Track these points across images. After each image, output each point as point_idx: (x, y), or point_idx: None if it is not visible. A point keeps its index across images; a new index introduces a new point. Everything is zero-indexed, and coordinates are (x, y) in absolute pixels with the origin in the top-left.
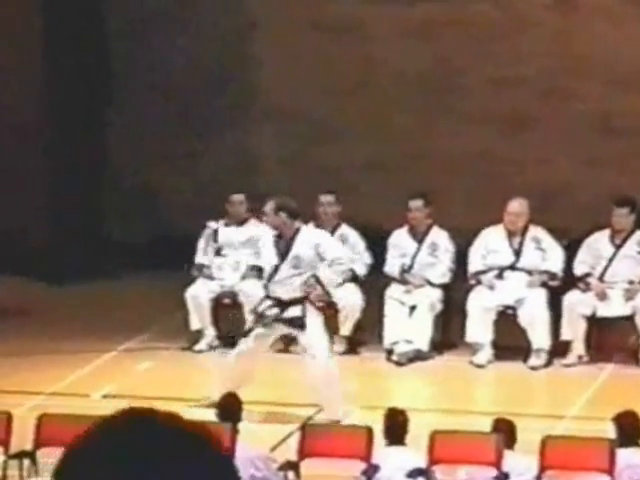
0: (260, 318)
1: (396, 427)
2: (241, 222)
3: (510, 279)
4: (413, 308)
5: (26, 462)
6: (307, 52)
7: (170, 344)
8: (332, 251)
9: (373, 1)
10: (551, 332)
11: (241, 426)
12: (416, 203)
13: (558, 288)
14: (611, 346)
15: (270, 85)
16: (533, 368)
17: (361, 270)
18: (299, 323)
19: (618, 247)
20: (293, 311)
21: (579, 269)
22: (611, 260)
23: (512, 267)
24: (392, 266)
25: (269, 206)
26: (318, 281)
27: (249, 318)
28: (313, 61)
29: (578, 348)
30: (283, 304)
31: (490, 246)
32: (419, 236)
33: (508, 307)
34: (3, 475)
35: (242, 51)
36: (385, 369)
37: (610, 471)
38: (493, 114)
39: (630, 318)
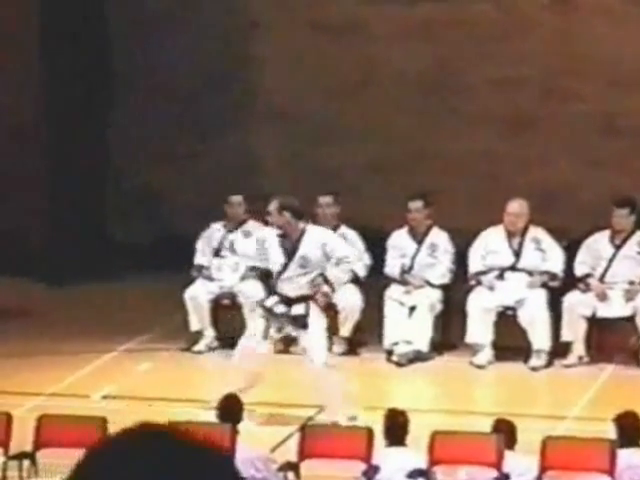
0: (269, 313)
1: (396, 428)
2: (240, 223)
3: (510, 280)
4: (413, 309)
5: (26, 463)
6: (308, 52)
7: (170, 345)
8: (339, 250)
9: (374, 1)
10: (551, 333)
11: (241, 427)
12: (416, 204)
13: (558, 289)
14: (611, 347)
15: (271, 86)
16: (533, 369)
17: (361, 271)
18: (302, 322)
19: (618, 248)
20: (297, 309)
21: (579, 270)
22: (611, 261)
23: (512, 268)
24: (392, 267)
25: (273, 205)
26: (326, 280)
27: (256, 313)
28: (314, 61)
29: (578, 349)
30: (289, 301)
31: (490, 247)
32: (419, 237)
33: (508, 308)
34: (3, 476)
35: (243, 51)
36: (385, 370)
37: (611, 472)
38: (494, 115)
39: (630, 319)
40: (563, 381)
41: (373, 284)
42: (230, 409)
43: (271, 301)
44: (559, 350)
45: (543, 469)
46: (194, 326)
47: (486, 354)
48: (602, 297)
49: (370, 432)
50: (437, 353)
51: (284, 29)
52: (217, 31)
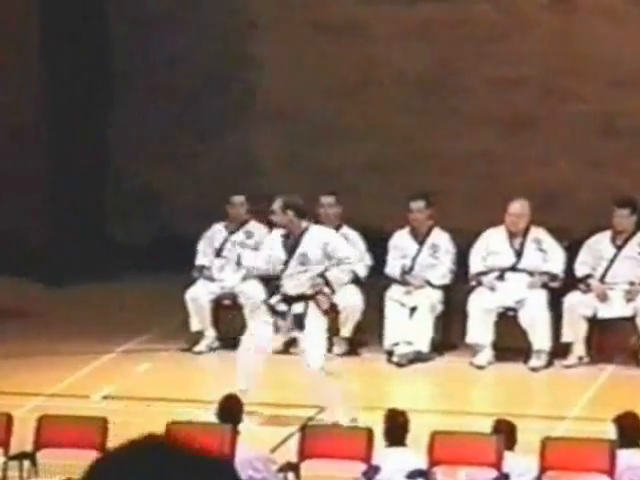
0: (273, 312)
1: (396, 428)
2: (241, 224)
3: (511, 280)
4: (413, 309)
5: (26, 463)
6: (308, 52)
7: (170, 345)
8: (340, 250)
9: (374, 2)
10: (552, 333)
11: (241, 427)
12: (417, 204)
13: (559, 289)
14: (612, 347)
15: (271, 86)
16: (534, 369)
17: (362, 271)
18: (299, 322)
19: (619, 248)
20: (297, 308)
21: (580, 270)
22: (612, 261)
23: (513, 268)
24: (393, 267)
25: (277, 204)
26: (326, 281)
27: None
28: (314, 61)
29: (579, 349)
30: (290, 299)
31: (491, 247)
32: (420, 237)
33: (509, 308)
34: (3, 476)
35: (243, 52)
36: (385, 370)
37: (610, 472)
38: (494, 115)
39: (631, 319)
40: (563, 381)
41: (374, 284)
42: (230, 409)
43: (274, 299)
44: (559, 350)
45: (543, 469)
46: (195, 326)
47: (486, 354)
48: (602, 298)
49: (370, 432)
50: (437, 353)
51: (284, 29)
52: (217, 31)
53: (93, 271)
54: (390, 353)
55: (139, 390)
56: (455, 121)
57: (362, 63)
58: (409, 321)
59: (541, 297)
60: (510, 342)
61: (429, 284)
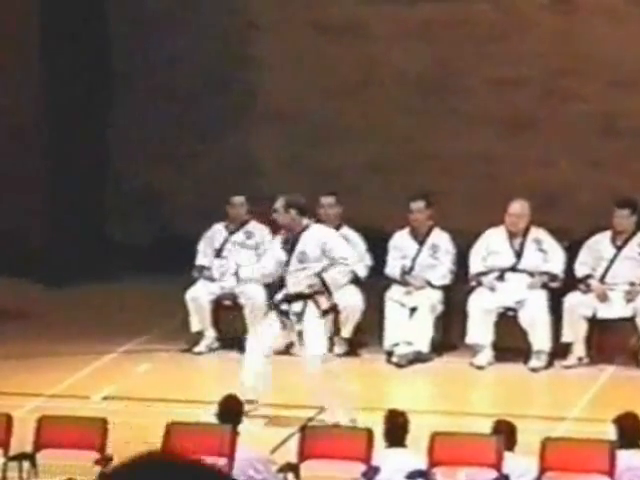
0: (277, 310)
1: (396, 429)
2: (242, 224)
3: (511, 280)
4: (413, 310)
5: (26, 464)
6: (308, 53)
7: (170, 346)
8: (338, 250)
9: (374, 2)
10: (552, 334)
11: (241, 428)
12: (417, 204)
13: (559, 289)
14: (612, 348)
15: (271, 86)
16: (533, 370)
17: (362, 272)
18: (299, 320)
19: (619, 248)
20: (295, 306)
21: (580, 270)
22: (612, 261)
23: (513, 268)
24: (393, 268)
25: (279, 203)
26: (323, 282)
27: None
28: (314, 62)
29: (578, 350)
30: (290, 298)
31: (491, 247)
32: (420, 237)
33: (509, 309)
34: (3, 477)
35: (243, 52)
36: (385, 371)
37: (610, 473)
38: (494, 115)
39: (631, 320)
40: (563, 382)
41: (374, 285)
42: (230, 410)
43: (278, 298)
44: (559, 351)
45: (543, 470)
46: (195, 327)
47: (486, 355)
48: (602, 298)
49: (370, 433)
50: (437, 354)
51: (284, 29)
52: (217, 31)
53: (93, 272)
54: (390, 353)
55: (139, 391)
56: (455, 121)
57: (362, 63)
58: (409, 321)
59: (541, 297)
60: (510, 342)
61: (429, 284)
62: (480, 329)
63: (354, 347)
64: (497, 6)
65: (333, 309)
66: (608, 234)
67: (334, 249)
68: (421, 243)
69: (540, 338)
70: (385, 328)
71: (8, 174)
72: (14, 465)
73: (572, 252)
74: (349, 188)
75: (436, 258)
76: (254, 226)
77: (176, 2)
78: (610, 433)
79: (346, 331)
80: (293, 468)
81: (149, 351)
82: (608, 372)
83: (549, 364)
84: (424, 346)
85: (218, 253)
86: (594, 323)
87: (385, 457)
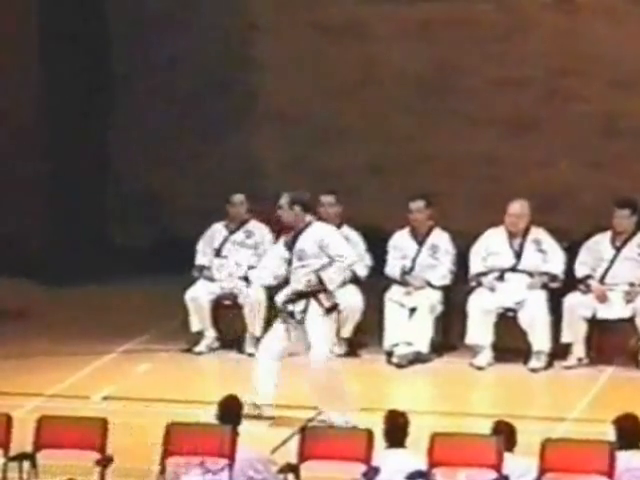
0: (280, 310)
1: (396, 429)
2: (242, 223)
3: (511, 281)
4: (413, 310)
5: (26, 464)
6: (308, 54)
7: (170, 346)
8: (335, 248)
9: (374, 2)
10: (551, 334)
11: (241, 428)
12: (417, 204)
13: (558, 290)
14: (611, 348)
15: (272, 87)
16: (533, 370)
17: (362, 272)
18: (299, 319)
19: (619, 249)
20: (298, 305)
21: (580, 271)
22: (612, 262)
23: (513, 269)
24: (393, 268)
25: (284, 200)
26: (320, 280)
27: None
28: (314, 63)
29: (578, 350)
30: (293, 296)
31: (491, 248)
32: (420, 238)
33: (508, 309)
34: (3, 477)
35: (244, 53)
36: (385, 371)
37: (610, 474)
38: (495, 116)
39: (630, 320)
40: (563, 383)
41: (374, 285)
42: (230, 410)
43: (280, 297)
44: (559, 352)
45: (542, 471)
46: (195, 327)
47: (486, 355)
48: (602, 299)
49: (370, 434)
50: (437, 354)
51: (284, 30)
52: (217, 32)
53: (93, 273)
54: (390, 354)
55: (139, 391)
56: (456, 122)
57: (362, 63)
58: (409, 322)
59: (541, 298)
60: (510, 343)
61: (429, 285)
62: (480, 329)
63: (354, 347)
64: (498, 6)
65: (336, 307)
66: (608, 235)
67: (331, 246)
68: (421, 243)
69: (540, 339)
70: (385, 328)
71: (8, 176)
72: (14, 465)
73: (572, 252)
74: (350, 189)
75: (436, 258)
76: (254, 225)
77: (176, 3)
78: (610, 434)
79: (346, 331)
80: (293, 469)
81: (149, 351)
82: (608, 373)
83: (549, 365)
84: (424, 346)
85: (218, 252)
86: (594, 324)
87: (385, 458)
